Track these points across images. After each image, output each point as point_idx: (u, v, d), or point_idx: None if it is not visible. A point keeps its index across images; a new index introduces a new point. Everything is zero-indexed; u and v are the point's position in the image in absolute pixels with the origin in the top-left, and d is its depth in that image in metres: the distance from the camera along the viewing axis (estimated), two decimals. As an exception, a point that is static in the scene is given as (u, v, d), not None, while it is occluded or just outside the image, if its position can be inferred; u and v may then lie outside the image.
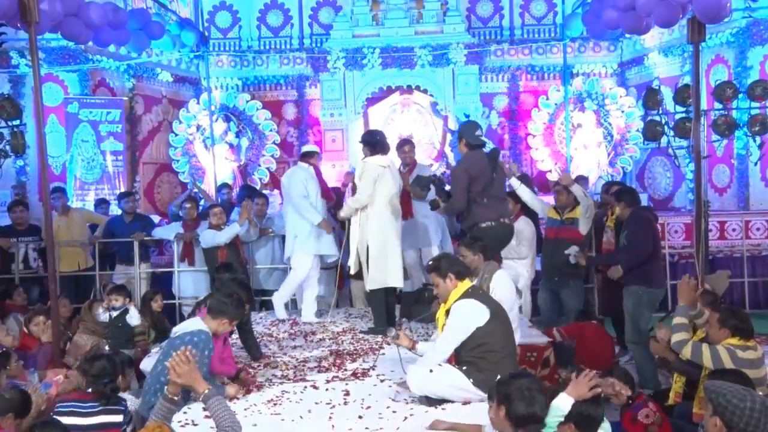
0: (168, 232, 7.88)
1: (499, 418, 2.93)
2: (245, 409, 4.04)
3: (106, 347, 5.52)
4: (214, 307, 4.17)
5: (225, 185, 9.63)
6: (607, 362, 5.72)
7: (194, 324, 4.11)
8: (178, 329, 4.16)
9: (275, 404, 4.15)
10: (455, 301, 4.11)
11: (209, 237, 7.01)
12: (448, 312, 4.17)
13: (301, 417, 3.93)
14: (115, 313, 5.84)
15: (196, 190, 10.22)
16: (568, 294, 6.39)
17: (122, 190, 9.92)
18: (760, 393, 3.16)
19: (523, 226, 6.76)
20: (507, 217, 5.78)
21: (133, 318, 5.82)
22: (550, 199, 8.85)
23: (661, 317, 6.53)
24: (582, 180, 10.33)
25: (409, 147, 7.03)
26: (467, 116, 11.38)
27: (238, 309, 4.18)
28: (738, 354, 4.06)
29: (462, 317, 4.05)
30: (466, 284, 4.20)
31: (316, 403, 4.15)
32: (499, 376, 3.31)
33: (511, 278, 6.55)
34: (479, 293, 4.20)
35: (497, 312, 4.09)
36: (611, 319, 6.82)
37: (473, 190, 5.53)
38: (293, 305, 7.03)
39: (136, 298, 7.31)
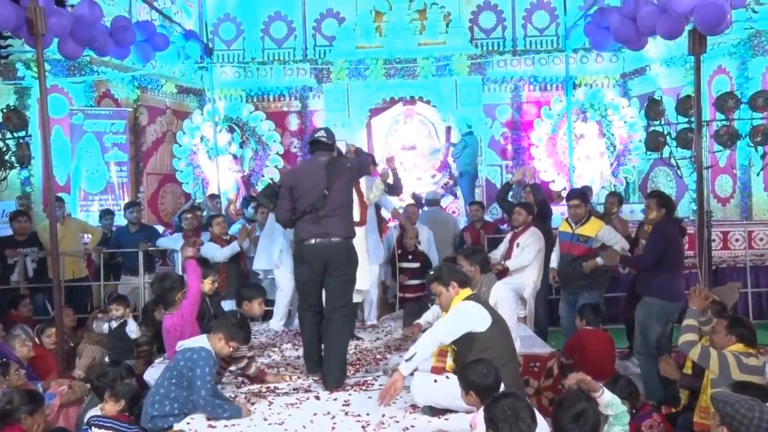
0: (173, 242, 7.91)
1: None
2: (250, 420, 4.06)
3: (106, 358, 5.53)
4: (214, 325, 4.22)
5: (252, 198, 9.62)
6: (610, 366, 5.79)
7: (198, 341, 4.14)
8: (183, 344, 4.19)
9: (278, 414, 4.16)
10: (460, 302, 4.12)
11: (210, 251, 7.04)
12: None
13: (304, 427, 3.94)
14: (115, 324, 5.84)
15: (201, 200, 10.28)
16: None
17: (126, 200, 9.98)
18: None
19: (528, 237, 6.79)
20: (342, 235, 4.85)
21: (132, 331, 5.80)
22: (553, 209, 8.88)
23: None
24: (587, 190, 10.37)
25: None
26: (469, 126, 11.42)
27: (237, 328, 4.17)
28: (743, 360, 4.08)
29: (464, 314, 4.03)
30: (467, 291, 4.22)
31: (318, 414, 4.16)
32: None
33: (517, 287, 6.62)
34: (481, 300, 4.21)
35: (497, 319, 4.10)
36: (626, 325, 6.84)
37: (296, 204, 4.86)
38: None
39: (141, 307, 7.35)
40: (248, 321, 4.49)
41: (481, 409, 3.43)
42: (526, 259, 6.69)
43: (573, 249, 6.49)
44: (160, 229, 10.21)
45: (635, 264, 6.03)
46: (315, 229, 4.76)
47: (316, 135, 5.04)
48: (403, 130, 12.53)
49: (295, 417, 4.11)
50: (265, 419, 4.07)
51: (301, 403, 4.39)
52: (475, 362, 3.59)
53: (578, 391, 3.34)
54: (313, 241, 4.77)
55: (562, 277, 6.63)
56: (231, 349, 4.16)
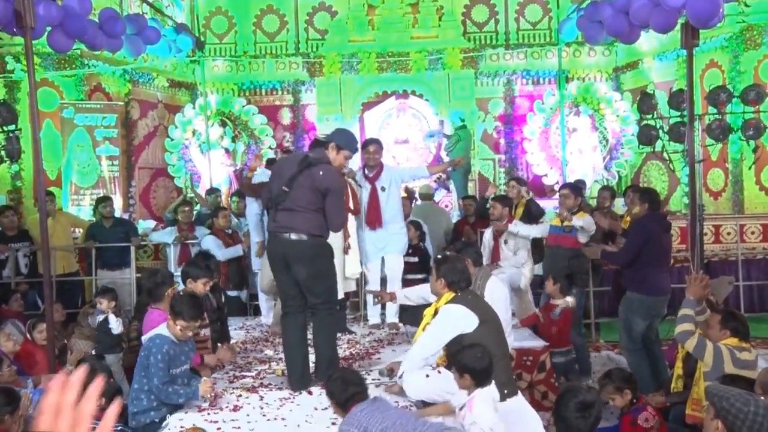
0: (166, 236, 7.88)
1: None
2: (247, 415, 4.06)
3: (92, 351, 5.51)
4: (170, 308, 4.19)
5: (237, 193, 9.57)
6: (569, 337, 6.01)
7: (157, 329, 4.15)
8: (146, 336, 4.19)
9: (277, 409, 4.16)
10: (445, 304, 4.09)
11: (211, 247, 7.02)
12: (436, 312, 4.16)
13: (306, 421, 3.93)
14: (101, 317, 5.81)
15: (192, 195, 10.24)
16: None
17: (118, 194, 9.94)
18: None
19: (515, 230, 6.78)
20: (304, 232, 4.51)
21: (113, 327, 5.76)
22: (546, 204, 8.89)
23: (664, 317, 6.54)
24: (581, 184, 10.38)
25: (374, 147, 6.30)
26: (462, 120, 11.39)
27: (180, 305, 4.10)
28: (737, 354, 4.09)
29: (447, 322, 3.99)
30: (451, 295, 4.16)
31: (318, 409, 4.15)
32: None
33: (511, 279, 6.63)
34: (468, 298, 4.14)
35: (486, 317, 4.05)
36: None
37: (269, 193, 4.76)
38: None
39: (131, 303, 7.32)
40: (198, 298, 4.32)
41: (477, 391, 3.43)
42: (522, 258, 6.69)
43: (560, 240, 6.50)
44: (152, 223, 10.20)
45: (614, 260, 6.03)
46: (274, 222, 4.59)
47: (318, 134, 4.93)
48: (395, 124, 12.50)
49: (294, 412, 4.10)
50: (264, 415, 4.06)
51: (294, 398, 4.39)
52: (468, 347, 3.59)
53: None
54: (272, 234, 4.62)
55: (550, 272, 6.59)
56: (180, 328, 4.07)
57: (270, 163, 6.85)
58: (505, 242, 6.78)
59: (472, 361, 3.46)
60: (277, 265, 4.63)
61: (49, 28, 5.98)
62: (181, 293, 4.30)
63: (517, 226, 6.71)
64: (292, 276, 4.56)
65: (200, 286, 4.99)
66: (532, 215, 7.29)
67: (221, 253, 6.96)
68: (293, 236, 4.48)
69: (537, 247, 7.01)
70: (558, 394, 3.25)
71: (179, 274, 7.55)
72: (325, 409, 4.12)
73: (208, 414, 4.06)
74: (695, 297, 4.41)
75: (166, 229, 8.25)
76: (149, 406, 3.99)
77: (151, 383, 3.96)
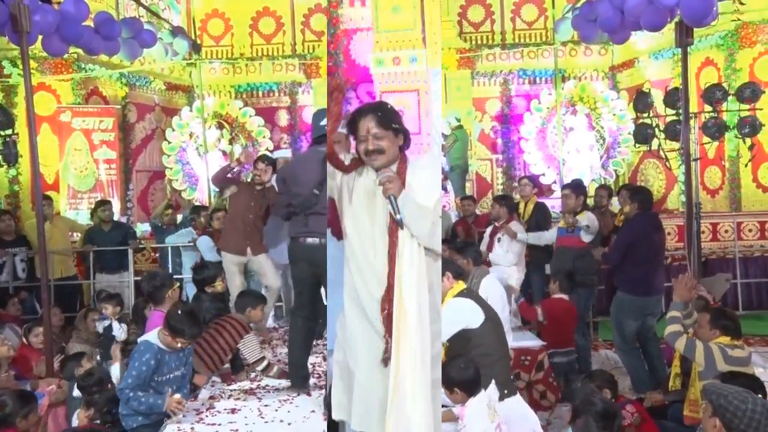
0: (182, 238, 7.81)
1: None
2: (245, 417, 4.05)
3: (98, 357, 5.51)
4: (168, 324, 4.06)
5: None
6: (570, 335, 5.94)
7: (148, 335, 4.10)
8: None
9: (276, 410, 4.16)
10: (451, 298, 4.10)
11: (205, 249, 7.00)
12: None
13: (303, 422, 3.93)
14: (106, 323, 5.80)
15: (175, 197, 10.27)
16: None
17: (116, 198, 9.93)
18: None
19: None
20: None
21: (116, 335, 5.72)
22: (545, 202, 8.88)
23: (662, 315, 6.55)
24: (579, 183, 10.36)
25: None
26: (459, 120, 11.40)
27: (180, 324, 3.96)
28: (728, 352, 4.10)
29: (454, 313, 4.00)
30: (462, 285, 4.20)
31: (317, 411, 4.15)
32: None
33: (500, 278, 6.64)
34: (474, 295, 4.18)
35: (491, 315, 4.08)
36: None
37: (291, 199, 4.46)
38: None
39: (130, 306, 7.31)
40: (196, 315, 4.17)
41: (469, 401, 3.44)
42: (512, 258, 6.71)
43: (565, 242, 6.55)
44: (148, 226, 10.18)
45: (606, 260, 6.06)
46: (305, 227, 4.35)
47: (322, 124, 4.37)
48: (393, 125, 12.47)
49: (293, 414, 4.10)
50: (262, 417, 4.07)
51: (292, 399, 4.39)
52: (452, 359, 3.61)
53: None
54: (300, 238, 4.38)
55: (556, 273, 6.60)
56: (179, 345, 3.97)
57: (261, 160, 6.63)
58: (498, 240, 6.81)
59: (458, 373, 3.46)
60: (302, 270, 4.42)
61: (42, 36, 5.97)
62: (179, 310, 4.17)
63: (526, 235, 6.77)
64: (313, 281, 4.38)
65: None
66: (544, 219, 7.34)
67: (212, 255, 6.91)
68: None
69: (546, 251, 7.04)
70: (574, 407, 3.24)
71: (189, 277, 7.56)
72: (313, 411, 4.13)
73: (206, 416, 4.07)
74: (681, 300, 4.43)
75: (180, 230, 8.14)
76: (137, 409, 3.97)
77: (119, 385, 3.96)
